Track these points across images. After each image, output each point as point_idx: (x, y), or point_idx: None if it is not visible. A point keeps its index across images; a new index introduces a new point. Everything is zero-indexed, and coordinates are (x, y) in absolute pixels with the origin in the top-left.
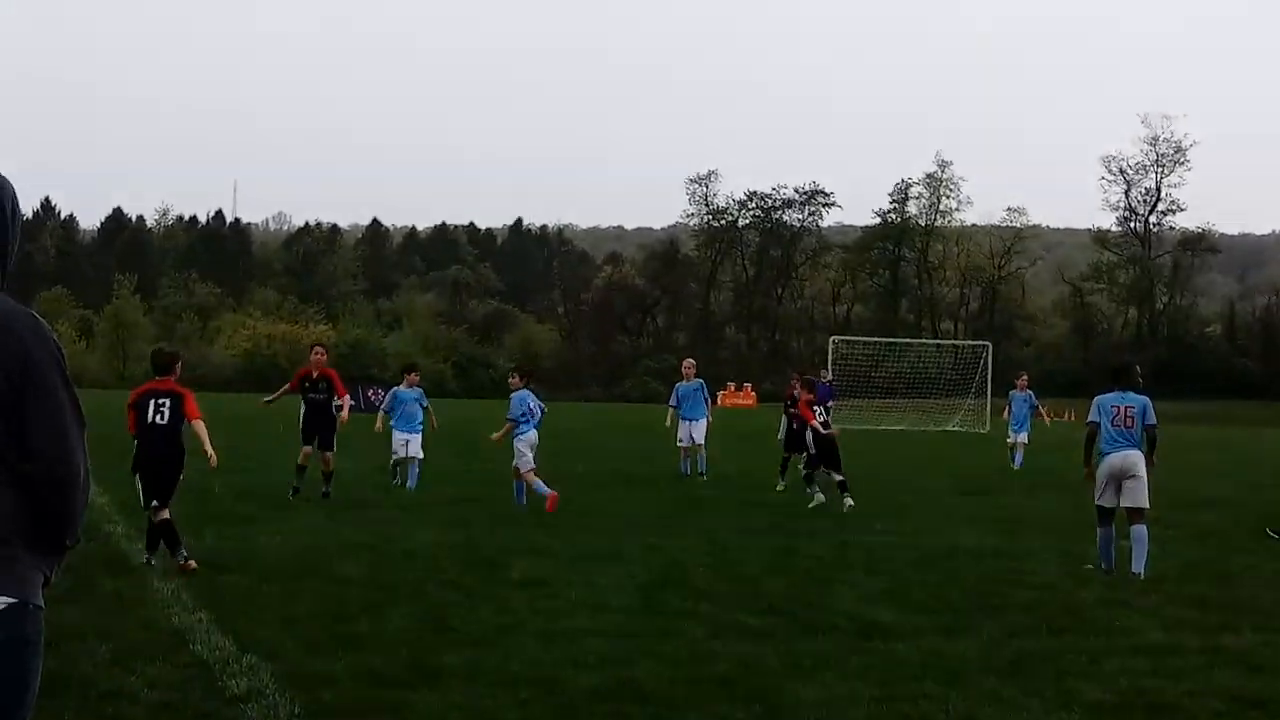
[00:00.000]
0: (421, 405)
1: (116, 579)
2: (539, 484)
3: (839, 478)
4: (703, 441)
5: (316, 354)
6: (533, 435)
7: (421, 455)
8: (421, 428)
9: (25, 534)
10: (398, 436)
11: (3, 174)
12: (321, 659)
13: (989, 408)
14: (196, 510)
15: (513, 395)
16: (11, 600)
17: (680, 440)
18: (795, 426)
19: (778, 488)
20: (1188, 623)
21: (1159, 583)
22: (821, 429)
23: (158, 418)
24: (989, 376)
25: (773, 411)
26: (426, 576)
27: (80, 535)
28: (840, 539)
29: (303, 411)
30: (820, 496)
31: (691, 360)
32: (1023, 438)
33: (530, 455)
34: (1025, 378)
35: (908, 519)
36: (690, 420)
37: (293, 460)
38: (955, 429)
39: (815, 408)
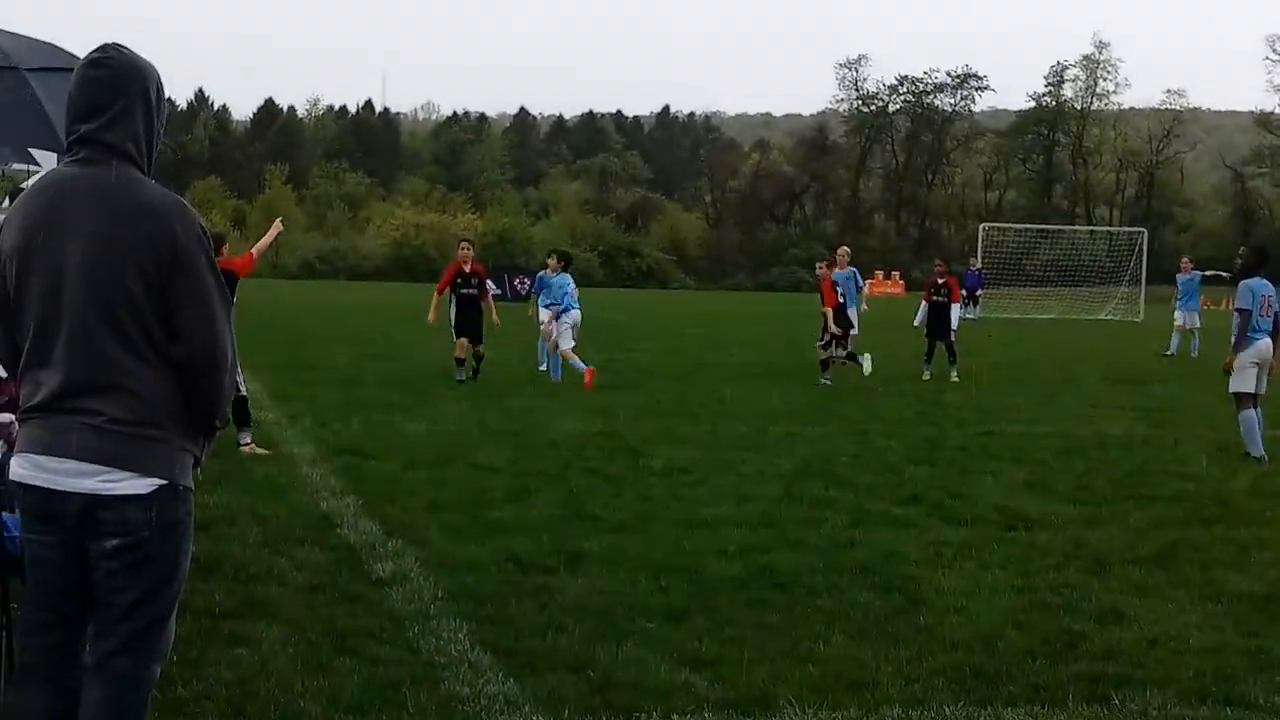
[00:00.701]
0: (566, 293)
1: (268, 465)
2: (576, 361)
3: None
4: (855, 330)
5: (464, 249)
6: (576, 315)
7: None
8: (572, 312)
9: (175, 416)
10: (544, 316)
11: (147, 61)
12: (465, 544)
13: (1143, 296)
14: (344, 397)
15: (552, 279)
16: (162, 481)
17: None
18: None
19: (924, 376)
20: None
21: None
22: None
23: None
24: (1144, 264)
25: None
26: (569, 464)
27: (229, 416)
28: (986, 428)
29: (454, 307)
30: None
31: (846, 248)
32: (1192, 320)
33: (570, 334)
34: (1188, 260)
35: (1055, 408)
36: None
37: (443, 350)
38: (1109, 318)
39: (961, 294)
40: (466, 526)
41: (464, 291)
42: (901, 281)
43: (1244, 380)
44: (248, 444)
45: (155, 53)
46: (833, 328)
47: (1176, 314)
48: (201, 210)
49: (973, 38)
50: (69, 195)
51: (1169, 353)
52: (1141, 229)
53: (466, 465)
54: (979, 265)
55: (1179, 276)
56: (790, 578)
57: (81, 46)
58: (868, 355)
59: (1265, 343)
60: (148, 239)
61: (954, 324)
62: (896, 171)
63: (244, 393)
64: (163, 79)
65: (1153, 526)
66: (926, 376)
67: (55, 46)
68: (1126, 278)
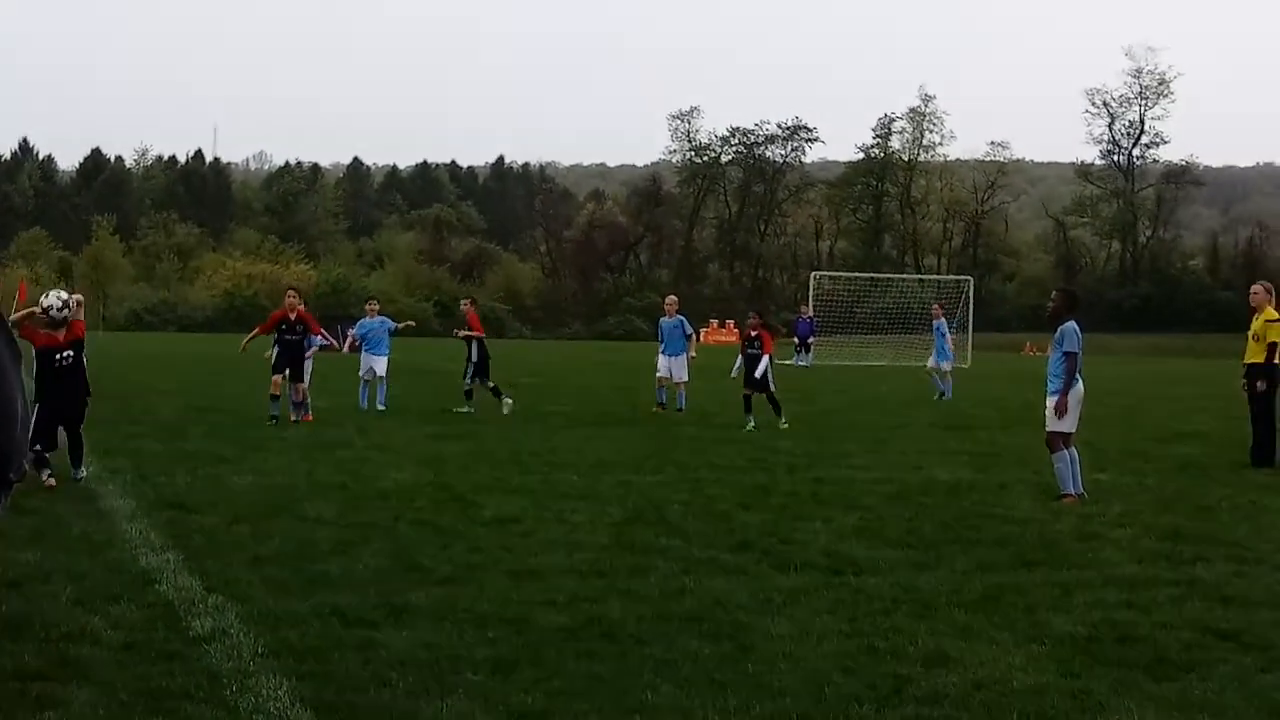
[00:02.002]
0: (388, 330)
1: (85, 521)
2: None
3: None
4: (685, 378)
5: (290, 297)
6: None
7: (384, 376)
8: (387, 352)
9: None
10: (365, 360)
11: None
12: (289, 598)
13: (970, 342)
14: (169, 450)
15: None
16: None
17: (659, 372)
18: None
19: (747, 427)
20: (1162, 555)
21: (1134, 515)
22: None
23: (63, 360)
24: (970, 311)
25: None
26: (399, 515)
27: (26, 469)
28: (816, 475)
29: (275, 351)
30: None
31: (674, 297)
32: (945, 365)
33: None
34: (939, 306)
35: (885, 454)
36: (670, 355)
37: (267, 398)
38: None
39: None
40: (290, 580)
41: (288, 338)
42: (736, 330)
43: (1069, 421)
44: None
45: None
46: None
47: (932, 359)
48: (26, 263)
49: (803, 90)
50: None
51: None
52: (968, 277)
53: (293, 518)
54: (810, 313)
55: (935, 322)
56: (619, 627)
57: None
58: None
59: (1080, 385)
60: None
61: (768, 374)
62: (730, 221)
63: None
64: None
65: (978, 569)
66: (750, 427)
67: None
68: (954, 325)
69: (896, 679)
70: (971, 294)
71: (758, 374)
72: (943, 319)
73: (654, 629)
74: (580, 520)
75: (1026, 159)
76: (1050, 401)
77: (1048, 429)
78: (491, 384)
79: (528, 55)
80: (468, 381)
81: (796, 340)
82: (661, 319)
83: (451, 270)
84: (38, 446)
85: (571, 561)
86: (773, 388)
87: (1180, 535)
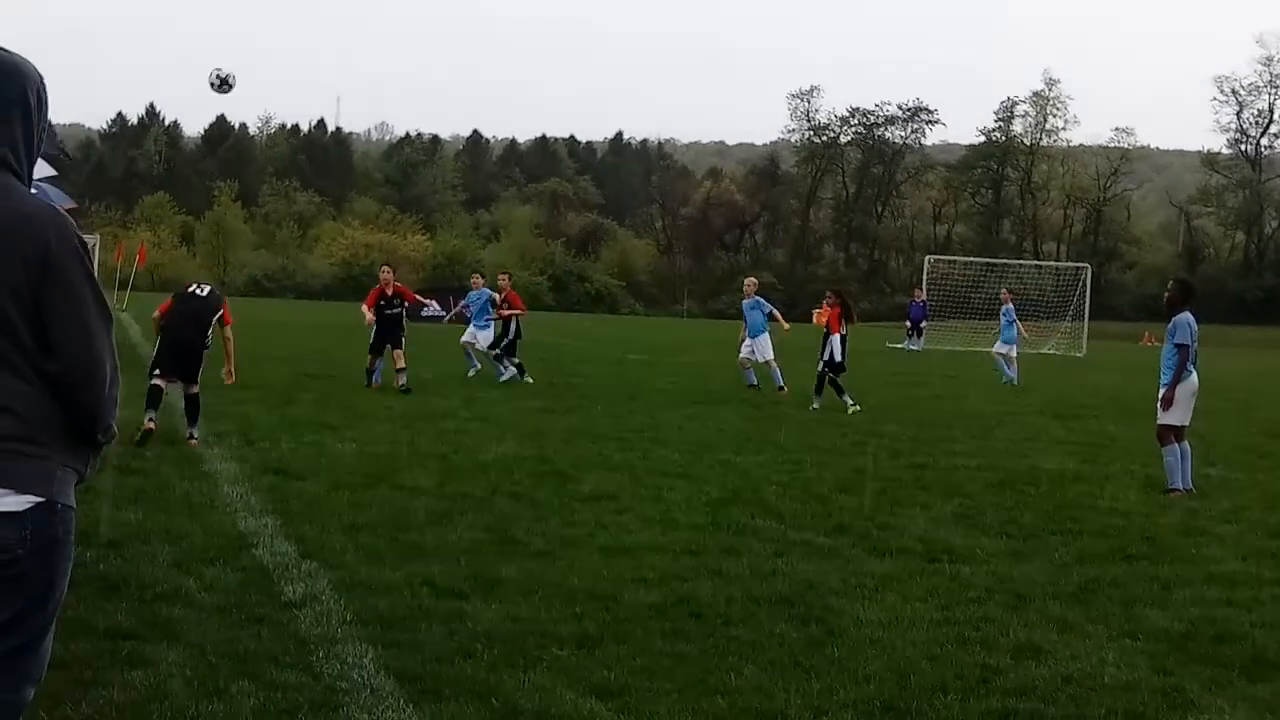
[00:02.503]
0: (489, 302)
1: (189, 482)
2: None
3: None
4: (769, 356)
5: (385, 273)
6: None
7: (485, 347)
8: (488, 324)
9: (54, 432)
10: (469, 331)
11: (29, 62)
12: (381, 567)
13: (1086, 331)
14: (275, 416)
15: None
16: (39, 499)
17: (741, 354)
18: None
19: (850, 410)
20: (1267, 552)
21: (1243, 511)
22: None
23: (198, 290)
24: (1087, 299)
25: (871, 331)
26: (496, 488)
27: (115, 431)
28: (918, 460)
29: (375, 327)
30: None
31: (753, 279)
32: (1006, 349)
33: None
34: (1007, 292)
35: (990, 441)
36: (752, 337)
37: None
38: (1051, 351)
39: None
40: (384, 549)
41: (387, 312)
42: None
43: (1179, 414)
44: (192, 438)
45: (105, 67)
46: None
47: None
48: (150, 226)
49: (924, 71)
50: None
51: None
52: (1085, 264)
53: (391, 487)
54: (924, 297)
55: (1004, 307)
56: (708, 607)
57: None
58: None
59: (1194, 377)
60: (19, 250)
61: (837, 356)
62: (846, 202)
63: (196, 390)
64: (44, 82)
65: (1077, 561)
66: (855, 408)
67: None
68: (1070, 313)
69: (984, 669)
70: (1089, 282)
71: (835, 353)
72: (1010, 304)
73: (743, 610)
74: (677, 499)
75: (1152, 146)
76: (1160, 393)
77: (1158, 421)
78: (517, 360)
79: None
80: (495, 354)
81: (909, 324)
82: (742, 301)
83: (567, 244)
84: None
85: (665, 539)
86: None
87: None
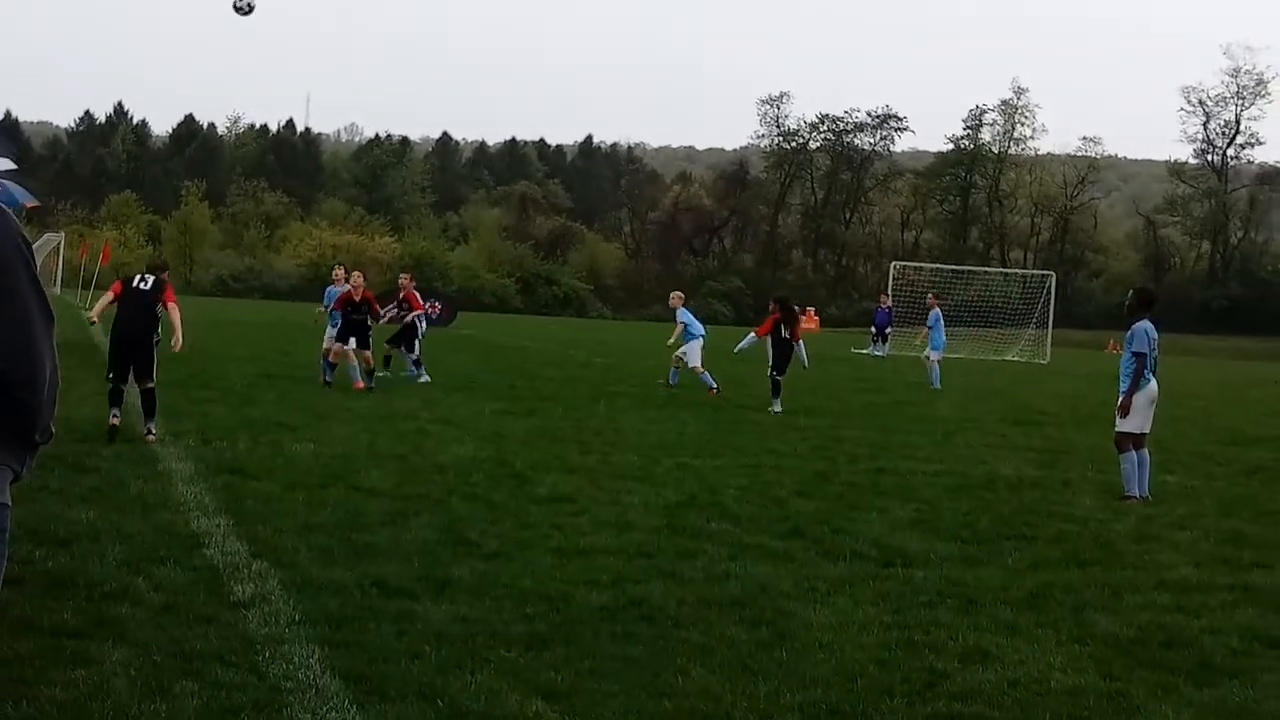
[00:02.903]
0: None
1: (143, 481)
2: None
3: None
4: (696, 364)
5: (356, 279)
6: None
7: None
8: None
9: None
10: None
11: None
12: (332, 567)
13: (1050, 338)
14: (234, 416)
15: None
16: None
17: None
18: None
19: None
20: (1220, 559)
21: (1197, 518)
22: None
23: (141, 284)
24: (1052, 306)
25: (837, 336)
26: (453, 489)
27: (53, 431)
28: (878, 465)
29: (339, 326)
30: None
31: (679, 293)
32: (935, 355)
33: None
34: (934, 296)
35: (950, 447)
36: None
37: (342, 371)
38: (1015, 359)
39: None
40: (337, 549)
41: (355, 318)
42: (816, 317)
43: (1136, 421)
44: (150, 434)
45: (76, 64)
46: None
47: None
48: (116, 225)
49: (893, 79)
50: None
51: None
52: (1050, 272)
53: (348, 487)
54: (889, 303)
55: (931, 312)
56: (659, 609)
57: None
58: None
59: (1154, 385)
60: None
61: (803, 360)
62: (815, 208)
63: (151, 385)
64: None
65: (1030, 567)
66: (777, 410)
67: None
68: (1035, 320)
69: (932, 673)
70: (1054, 289)
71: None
72: (937, 308)
73: (694, 613)
74: (634, 501)
75: (1119, 155)
76: (1119, 401)
77: (1115, 429)
78: (414, 355)
79: (618, 36)
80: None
81: (874, 329)
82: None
83: (535, 247)
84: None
85: (620, 542)
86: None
87: (1242, 540)
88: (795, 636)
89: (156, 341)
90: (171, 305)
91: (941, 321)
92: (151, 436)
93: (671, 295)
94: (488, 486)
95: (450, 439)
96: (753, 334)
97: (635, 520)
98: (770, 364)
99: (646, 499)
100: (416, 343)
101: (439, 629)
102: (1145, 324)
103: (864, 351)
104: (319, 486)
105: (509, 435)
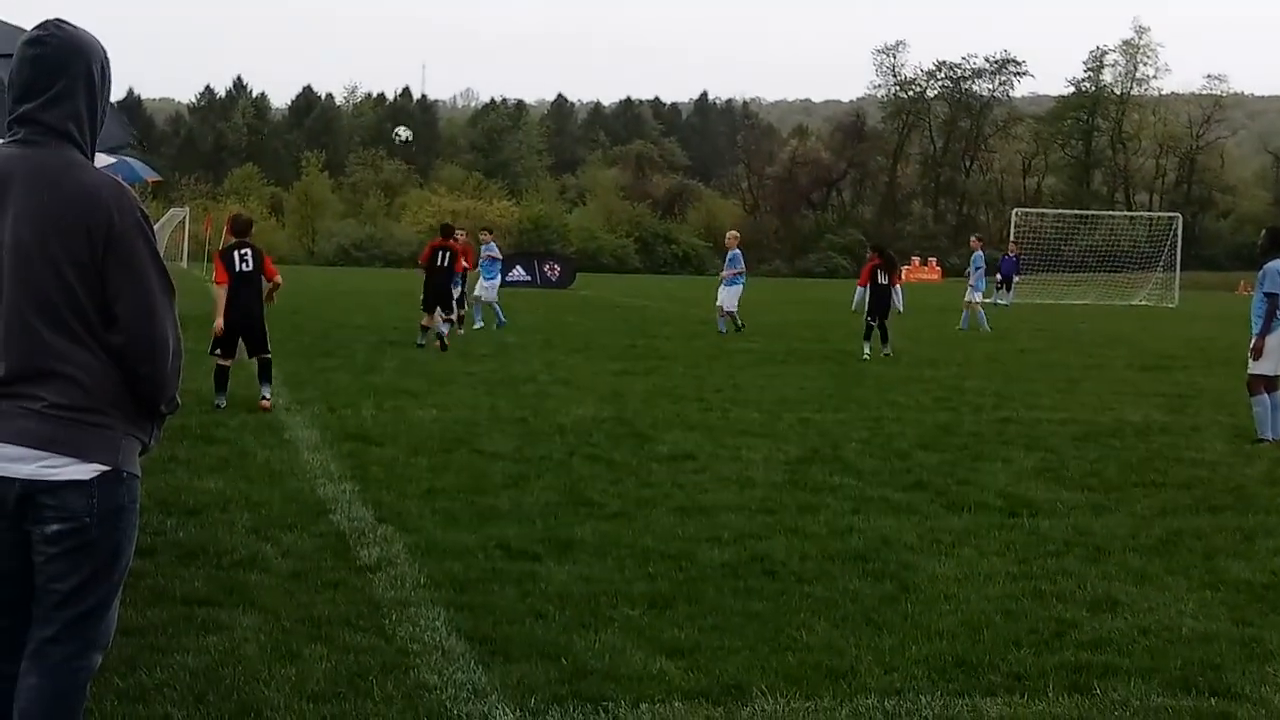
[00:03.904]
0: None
1: (270, 450)
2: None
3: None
4: (720, 303)
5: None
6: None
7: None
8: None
9: (118, 403)
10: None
11: (92, 36)
12: (456, 530)
13: (1178, 281)
14: (358, 383)
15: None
16: (104, 467)
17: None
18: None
19: (863, 355)
20: None
21: None
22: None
23: (244, 265)
24: (1179, 249)
25: (960, 285)
26: (574, 450)
27: (179, 402)
28: (1002, 415)
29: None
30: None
31: (734, 231)
32: (977, 297)
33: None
34: (979, 237)
35: (1075, 395)
36: (727, 285)
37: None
38: (1142, 303)
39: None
40: (460, 513)
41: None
42: (939, 268)
43: (1270, 364)
44: (265, 399)
45: (193, 41)
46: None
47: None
48: (239, 198)
49: (1011, 23)
50: (5, 178)
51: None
52: (1176, 214)
53: (470, 451)
54: (1016, 251)
55: (975, 254)
56: (781, 565)
57: (102, 30)
58: None
59: None
60: (83, 223)
61: (898, 306)
62: (934, 157)
63: (267, 355)
64: (108, 56)
65: (1159, 514)
66: (865, 356)
67: (15, 29)
68: (1162, 263)
69: (1059, 623)
70: (1180, 231)
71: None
72: (980, 250)
73: (817, 567)
74: (755, 458)
75: (1246, 92)
76: (1251, 343)
77: (1248, 371)
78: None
79: None
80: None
81: (1000, 278)
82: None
83: (653, 206)
84: (217, 351)
85: (741, 498)
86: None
87: None
88: (919, 589)
89: (266, 307)
90: (277, 280)
91: (984, 264)
92: (266, 402)
93: (729, 235)
94: (608, 446)
95: (570, 400)
96: (858, 287)
97: (756, 476)
98: (865, 309)
99: (768, 455)
100: (452, 302)
101: (562, 589)
102: (1278, 264)
103: (989, 300)
104: (442, 451)
105: (629, 394)
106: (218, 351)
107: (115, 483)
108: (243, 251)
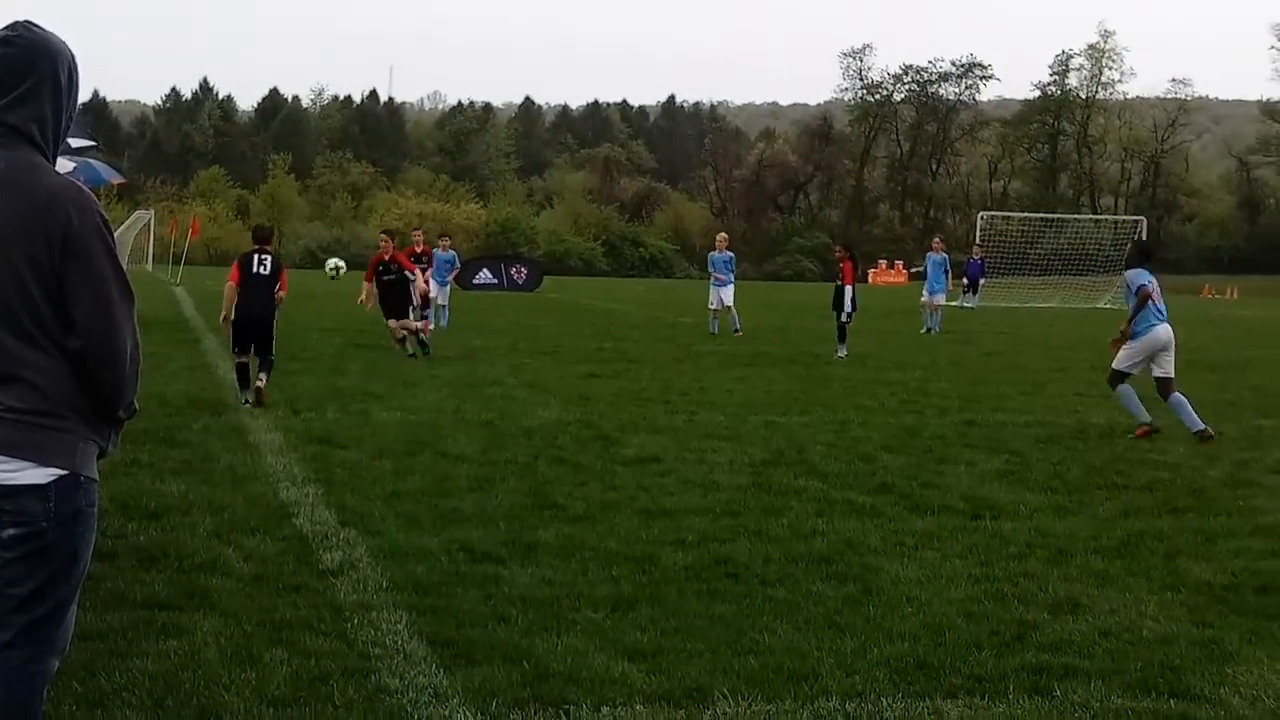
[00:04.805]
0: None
1: (233, 454)
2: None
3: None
4: (730, 304)
5: (383, 242)
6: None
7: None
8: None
9: (76, 407)
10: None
11: (61, 40)
12: (420, 534)
13: None
14: (322, 386)
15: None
16: (61, 472)
17: (710, 303)
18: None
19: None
20: None
21: None
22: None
23: (260, 269)
24: None
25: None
26: (540, 453)
27: (136, 406)
28: (967, 418)
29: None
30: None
31: (724, 234)
32: (939, 299)
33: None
34: (941, 239)
35: (1041, 397)
36: (719, 286)
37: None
38: (1107, 306)
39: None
40: (424, 516)
41: (385, 278)
42: (905, 270)
43: (1134, 363)
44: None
45: (159, 42)
46: None
47: (924, 292)
48: (205, 200)
49: (977, 26)
50: None
51: (936, 330)
52: (1141, 217)
53: (435, 454)
54: (981, 254)
55: (930, 256)
56: (745, 568)
57: (67, 33)
58: None
59: (1163, 330)
60: (42, 226)
61: (847, 306)
62: (901, 161)
63: (271, 357)
64: (75, 60)
65: (1121, 515)
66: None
67: None
68: (1125, 265)
69: (1021, 625)
70: (1145, 234)
71: (845, 303)
72: (942, 253)
73: (780, 570)
74: (720, 461)
75: (1210, 96)
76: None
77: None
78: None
79: None
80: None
81: (965, 281)
82: (712, 253)
83: (620, 209)
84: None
85: (706, 501)
86: (845, 319)
87: None
88: (882, 591)
89: (276, 315)
90: (281, 295)
91: (939, 266)
92: (261, 383)
93: (720, 237)
94: (574, 449)
95: (536, 403)
96: (849, 288)
97: (721, 479)
98: (848, 311)
99: (733, 458)
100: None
101: (525, 592)
102: (1143, 271)
103: (954, 304)
104: (406, 454)
105: (596, 398)
106: (236, 349)
107: (73, 487)
108: (262, 257)
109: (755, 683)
